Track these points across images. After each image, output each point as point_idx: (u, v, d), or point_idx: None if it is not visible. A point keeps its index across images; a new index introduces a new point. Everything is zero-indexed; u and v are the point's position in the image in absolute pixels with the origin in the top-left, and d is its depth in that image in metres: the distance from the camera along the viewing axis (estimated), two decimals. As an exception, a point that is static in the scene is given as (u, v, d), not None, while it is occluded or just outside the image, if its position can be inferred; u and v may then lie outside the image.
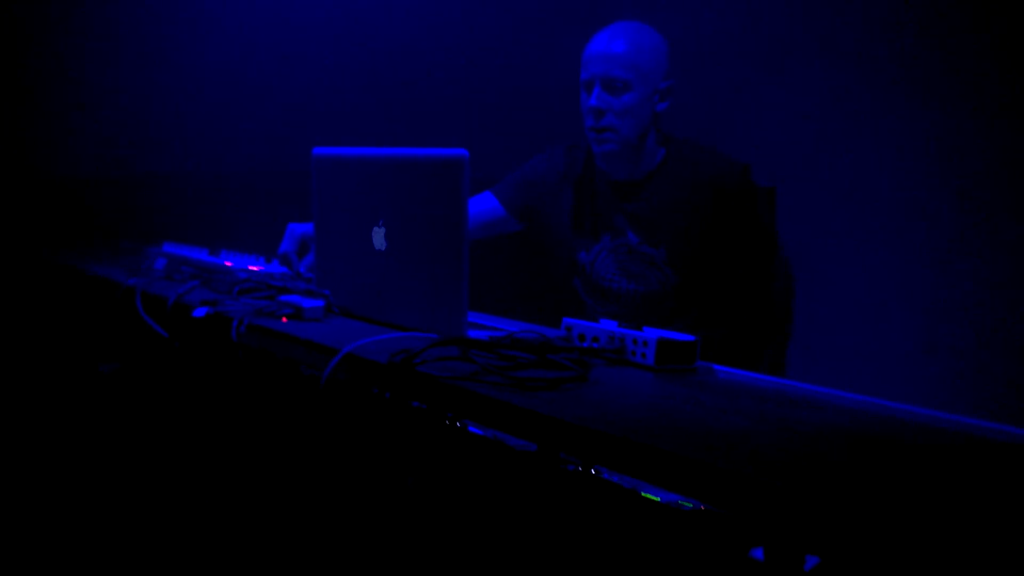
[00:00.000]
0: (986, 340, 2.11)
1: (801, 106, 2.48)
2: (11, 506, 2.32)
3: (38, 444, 2.45)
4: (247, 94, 3.11)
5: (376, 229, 1.61)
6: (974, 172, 2.21)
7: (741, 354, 1.94)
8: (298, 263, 1.95)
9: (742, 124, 2.53)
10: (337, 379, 1.32)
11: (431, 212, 1.50)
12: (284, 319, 1.60)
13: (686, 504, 1.07)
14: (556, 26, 2.54)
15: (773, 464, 0.93)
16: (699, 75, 2.42)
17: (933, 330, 2.22)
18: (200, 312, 1.59)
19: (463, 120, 3.01)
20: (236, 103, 3.10)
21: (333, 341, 1.42)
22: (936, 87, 2.28)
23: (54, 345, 2.47)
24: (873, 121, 2.37)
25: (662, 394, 1.23)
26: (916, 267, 2.32)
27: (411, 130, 2.97)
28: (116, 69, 3.01)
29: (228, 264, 1.94)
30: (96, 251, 2.55)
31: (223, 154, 3.13)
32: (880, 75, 2.34)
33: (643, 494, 1.11)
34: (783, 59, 2.48)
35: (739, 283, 2.08)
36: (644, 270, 2.08)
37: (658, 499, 1.11)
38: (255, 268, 1.95)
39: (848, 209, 2.47)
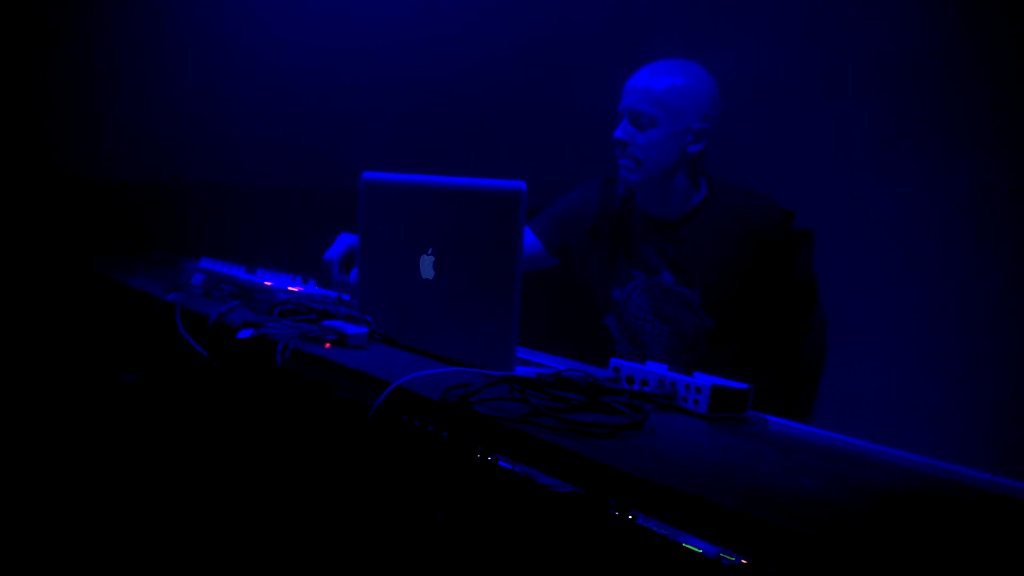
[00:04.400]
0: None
1: (846, 149, 2.46)
2: (13, 508, 2.30)
3: (54, 449, 2.43)
4: (289, 110, 3.11)
5: (424, 257, 1.59)
6: (1020, 220, 2.18)
7: (773, 402, 1.91)
8: (338, 271, 1.94)
9: (784, 165, 2.51)
10: (382, 410, 1.30)
11: (485, 244, 1.48)
12: (327, 344, 1.59)
13: (728, 557, 1.05)
14: (605, 58, 2.53)
15: (846, 527, 0.90)
16: (745, 115, 2.41)
17: (970, 384, 2.19)
18: (245, 334, 1.57)
19: (507, 147, 3.01)
20: (278, 118, 3.10)
21: (381, 372, 1.40)
22: (982, 133, 2.25)
23: (82, 354, 2.46)
24: (918, 167, 2.35)
25: (720, 445, 1.21)
26: (953, 319, 2.28)
27: (455, 157, 2.97)
28: (162, 73, 3.02)
29: (268, 284, 1.92)
30: (129, 259, 2.54)
31: (259, 168, 3.13)
32: (924, 122, 2.32)
33: (684, 544, 1.09)
34: (831, 100, 2.47)
35: (775, 331, 2.05)
36: (677, 311, 2.06)
37: (700, 551, 1.08)
38: (295, 289, 1.93)
39: (886, 256, 2.44)
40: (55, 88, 2.91)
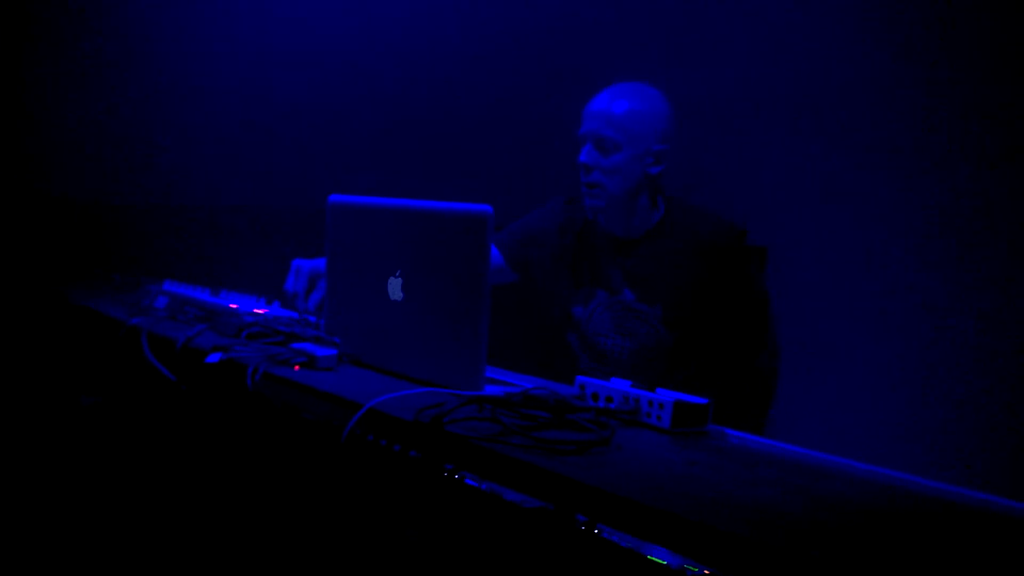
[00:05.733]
0: (976, 411, 2.16)
1: (801, 168, 2.54)
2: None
3: (10, 472, 2.40)
4: (247, 129, 3.11)
5: (393, 280, 1.62)
6: (969, 235, 2.27)
7: (730, 415, 1.97)
8: (305, 301, 1.95)
9: (741, 184, 2.59)
10: (354, 432, 1.32)
11: (452, 266, 1.51)
12: (297, 367, 1.60)
13: (692, 569, 1.09)
14: (566, 80, 2.59)
15: (809, 537, 0.95)
16: (703, 135, 2.48)
17: (921, 395, 2.27)
18: (214, 358, 1.58)
19: (475, 168, 3.04)
20: (236, 137, 3.10)
21: (352, 393, 1.42)
22: (932, 151, 2.34)
23: (41, 376, 2.43)
24: (869, 186, 2.43)
25: (684, 459, 1.25)
26: (906, 331, 2.37)
27: (419, 177, 2.99)
28: (117, 93, 3.00)
29: (234, 306, 1.93)
30: (87, 280, 2.52)
31: (217, 187, 3.13)
32: (877, 143, 2.41)
33: (649, 557, 1.13)
34: (789, 120, 2.55)
35: (732, 345, 2.11)
36: (638, 327, 2.11)
37: (665, 563, 1.12)
38: (261, 311, 1.95)
39: (838, 271, 2.53)
40: (9, 106, 2.88)
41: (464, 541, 1.28)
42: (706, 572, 1.04)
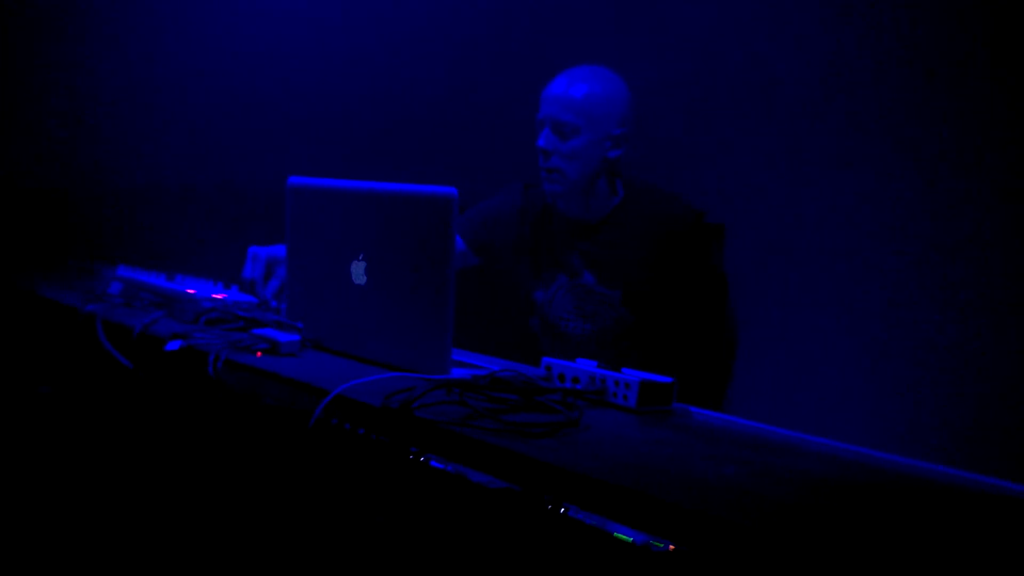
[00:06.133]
0: (932, 384, 2.22)
1: (755, 149, 2.57)
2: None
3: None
4: (201, 109, 3.05)
5: (356, 263, 1.60)
6: (929, 211, 2.31)
7: (690, 393, 2.00)
8: (264, 289, 1.92)
9: (699, 167, 2.61)
10: (320, 418, 1.31)
11: (417, 249, 1.50)
12: (259, 353, 1.58)
13: (657, 544, 1.11)
14: (526, 64, 2.58)
15: (772, 516, 0.97)
16: (661, 119, 2.49)
17: (879, 371, 2.32)
18: (174, 345, 1.55)
19: (432, 153, 3.02)
20: (186, 118, 3.04)
21: (318, 380, 1.41)
22: (893, 132, 2.38)
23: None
24: (828, 166, 2.47)
25: (652, 439, 1.27)
26: (862, 309, 2.41)
27: (381, 159, 2.96)
28: (72, 74, 2.92)
29: (191, 292, 1.90)
30: (39, 266, 2.46)
31: (169, 169, 3.06)
32: (837, 122, 2.44)
33: (616, 535, 1.14)
34: (743, 103, 2.57)
35: (691, 325, 2.14)
36: (599, 310, 2.12)
37: (631, 540, 1.14)
38: (219, 296, 1.92)
39: (795, 250, 2.56)
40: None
41: (431, 523, 1.28)
42: (670, 547, 1.06)
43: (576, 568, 1.12)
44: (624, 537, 1.13)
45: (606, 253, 2.09)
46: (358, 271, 1.60)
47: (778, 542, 0.89)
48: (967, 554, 0.91)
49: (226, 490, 1.65)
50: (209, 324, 1.73)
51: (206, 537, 1.70)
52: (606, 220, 2.10)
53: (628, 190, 2.11)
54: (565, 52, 2.14)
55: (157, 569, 1.81)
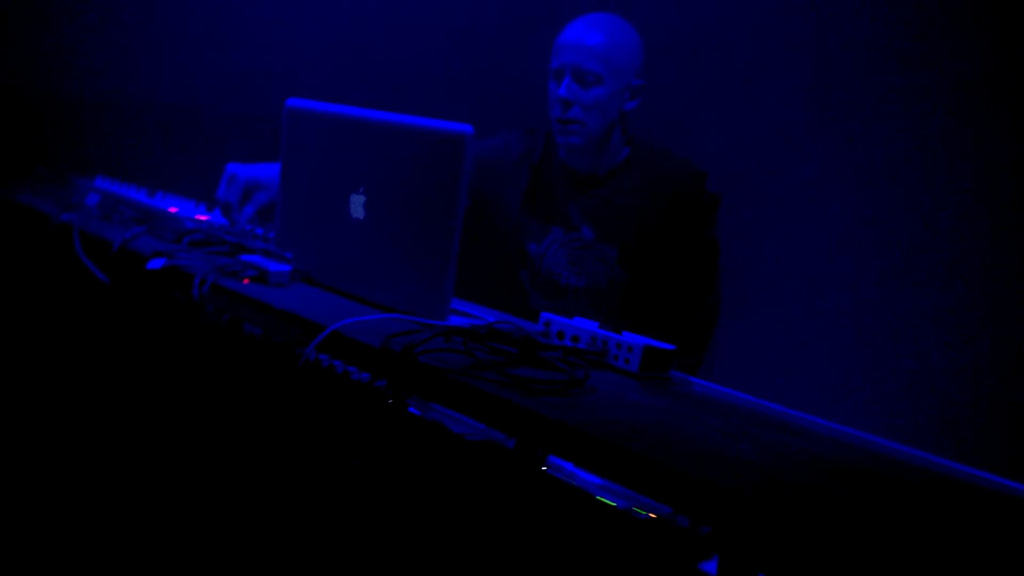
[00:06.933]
0: (926, 367, 2.21)
1: (766, 116, 2.51)
2: None
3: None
4: (198, 20, 2.90)
5: (355, 196, 1.53)
6: (922, 189, 2.28)
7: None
8: (239, 214, 1.82)
9: (705, 128, 2.55)
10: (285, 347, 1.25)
11: (424, 188, 1.43)
12: (246, 280, 1.51)
13: (640, 511, 1.07)
14: (534, 16, 2.47)
15: (782, 492, 0.94)
16: (669, 75, 2.41)
17: (871, 349, 2.30)
18: (156, 264, 1.47)
19: (439, 90, 2.90)
20: (179, 32, 2.88)
21: (310, 313, 1.34)
22: (897, 112, 2.34)
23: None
24: (832, 139, 2.42)
25: (657, 406, 1.22)
26: (856, 287, 2.38)
27: (383, 91, 2.83)
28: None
29: (173, 210, 1.80)
30: (5, 170, 2.33)
31: (157, 82, 2.91)
32: (840, 100, 2.40)
33: (599, 498, 1.11)
34: (758, 65, 2.50)
35: (681, 289, 2.10)
36: (594, 267, 2.07)
37: (614, 504, 1.10)
38: (203, 218, 1.82)
39: (789, 222, 2.52)
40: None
41: (406, 472, 1.23)
42: (651, 515, 1.03)
43: (553, 528, 1.09)
44: (607, 501, 1.10)
45: (608, 208, 2.04)
46: (356, 204, 1.52)
47: (786, 518, 0.86)
48: (967, 554, 0.89)
49: (200, 416, 1.58)
50: (193, 246, 1.64)
51: (175, 464, 1.63)
52: (610, 174, 2.04)
53: (634, 146, 2.05)
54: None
55: (116, 488, 1.74)
